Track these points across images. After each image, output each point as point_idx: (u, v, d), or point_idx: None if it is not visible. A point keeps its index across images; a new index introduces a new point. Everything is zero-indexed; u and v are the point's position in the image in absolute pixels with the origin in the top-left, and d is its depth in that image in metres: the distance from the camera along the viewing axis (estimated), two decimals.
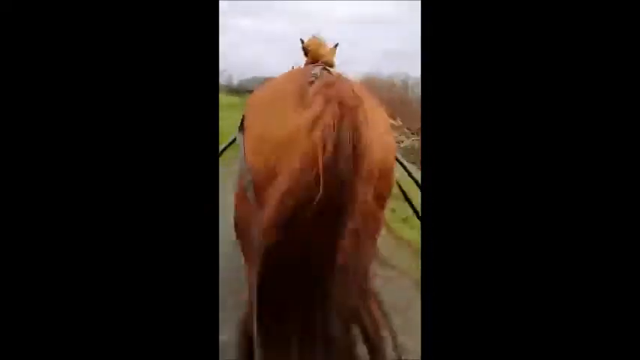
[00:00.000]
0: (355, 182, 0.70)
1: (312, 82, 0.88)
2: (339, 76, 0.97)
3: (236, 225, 1.00)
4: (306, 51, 1.81)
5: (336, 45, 1.97)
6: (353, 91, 0.78)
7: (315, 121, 0.73)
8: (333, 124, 0.71)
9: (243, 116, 0.99)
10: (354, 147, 0.70)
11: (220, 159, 1.34)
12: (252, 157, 0.89)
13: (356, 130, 0.71)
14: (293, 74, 1.06)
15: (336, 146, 0.69)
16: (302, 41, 1.89)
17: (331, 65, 1.52)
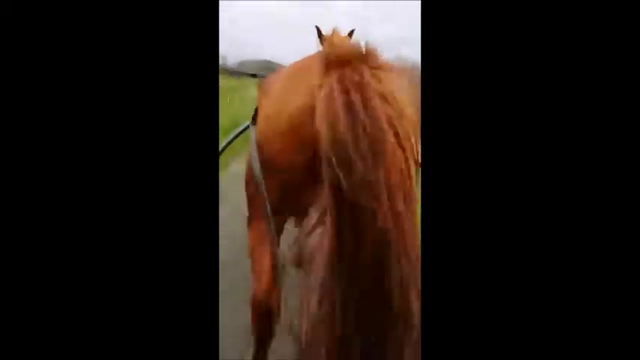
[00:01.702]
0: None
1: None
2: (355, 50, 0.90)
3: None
4: (322, 41, 1.73)
5: (352, 31, 1.88)
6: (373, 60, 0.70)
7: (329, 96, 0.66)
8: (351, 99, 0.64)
9: (256, 109, 0.93)
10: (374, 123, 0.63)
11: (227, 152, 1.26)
12: (262, 135, 0.85)
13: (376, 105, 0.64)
14: (307, 60, 1.00)
15: (353, 121, 0.63)
16: (318, 30, 1.80)
17: None
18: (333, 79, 0.69)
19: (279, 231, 0.99)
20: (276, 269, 0.94)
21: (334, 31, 1.79)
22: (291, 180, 0.85)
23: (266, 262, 0.94)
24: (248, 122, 1.12)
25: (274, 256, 0.93)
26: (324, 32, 1.79)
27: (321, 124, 0.66)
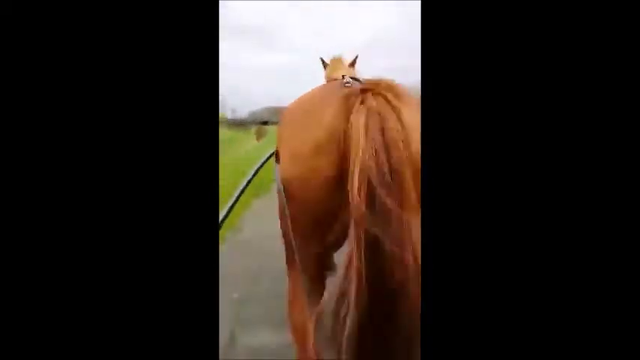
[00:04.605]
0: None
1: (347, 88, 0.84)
2: (377, 80, 0.90)
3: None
4: (324, 65, 1.77)
5: (356, 58, 1.92)
6: (394, 91, 0.75)
7: (355, 121, 0.70)
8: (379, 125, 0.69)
9: (277, 150, 0.93)
10: (403, 146, 0.68)
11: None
12: (287, 168, 0.85)
13: (399, 130, 0.69)
14: (325, 87, 1.01)
15: (385, 145, 0.67)
16: (322, 60, 1.85)
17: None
18: (362, 111, 0.71)
19: (323, 268, 0.95)
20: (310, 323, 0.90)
21: (334, 57, 1.83)
22: (320, 214, 0.82)
23: (301, 319, 0.91)
24: (272, 151, 1.13)
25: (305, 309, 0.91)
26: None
27: (357, 152, 0.67)
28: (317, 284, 0.92)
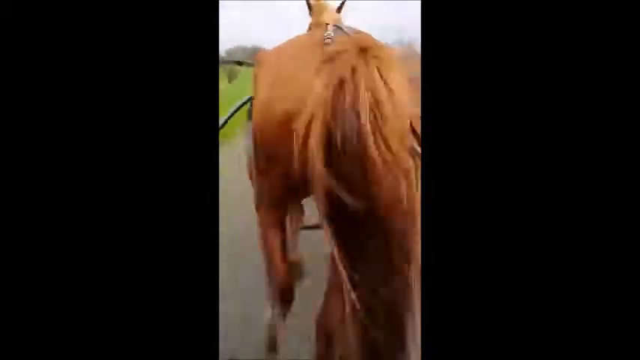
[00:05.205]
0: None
1: (327, 45, 0.81)
2: (356, 34, 0.88)
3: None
4: (310, 8, 1.65)
5: (343, 3, 1.80)
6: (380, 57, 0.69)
7: (330, 85, 0.66)
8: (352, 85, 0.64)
9: (251, 99, 0.91)
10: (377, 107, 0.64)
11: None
12: (258, 124, 0.84)
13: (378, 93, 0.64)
14: (305, 39, 0.96)
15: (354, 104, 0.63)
16: (308, 3, 1.71)
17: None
18: (334, 76, 0.66)
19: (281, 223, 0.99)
20: (287, 250, 0.96)
21: (322, 3, 1.71)
22: (288, 171, 0.81)
23: (277, 243, 0.95)
24: (247, 97, 1.11)
25: (284, 241, 0.95)
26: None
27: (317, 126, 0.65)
28: (280, 228, 0.95)
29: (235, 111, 1.24)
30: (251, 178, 1.03)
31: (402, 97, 0.67)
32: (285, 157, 0.78)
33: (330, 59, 0.70)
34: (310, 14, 1.71)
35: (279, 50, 0.92)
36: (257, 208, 1.00)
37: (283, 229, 0.96)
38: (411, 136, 0.71)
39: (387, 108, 0.65)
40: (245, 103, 1.18)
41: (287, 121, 0.75)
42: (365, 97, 0.64)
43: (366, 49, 0.69)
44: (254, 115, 0.89)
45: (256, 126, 0.86)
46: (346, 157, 0.64)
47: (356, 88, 0.64)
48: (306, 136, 0.66)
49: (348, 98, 0.64)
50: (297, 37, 0.98)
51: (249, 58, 1.88)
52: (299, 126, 0.67)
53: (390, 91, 0.66)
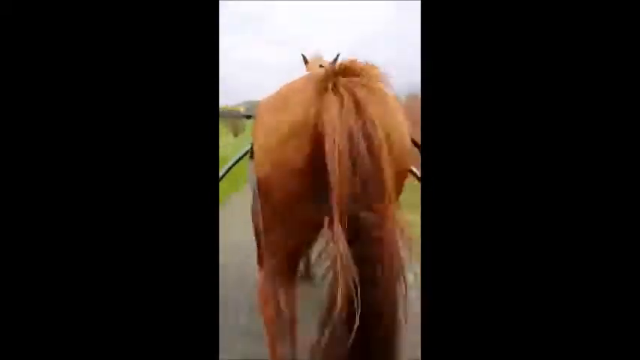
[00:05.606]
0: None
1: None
2: (351, 61, 0.89)
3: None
4: (306, 62, 1.76)
5: (337, 56, 1.90)
6: (367, 75, 0.76)
7: (324, 110, 0.71)
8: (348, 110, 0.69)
9: (252, 145, 0.92)
10: (370, 138, 0.68)
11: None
12: (259, 161, 0.84)
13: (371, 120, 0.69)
14: (299, 79, 0.99)
15: (350, 135, 0.67)
16: (304, 57, 1.82)
17: None
18: (333, 98, 0.70)
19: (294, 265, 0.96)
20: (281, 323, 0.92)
21: (318, 58, 1.81)
22: (290, 210, 0.82)
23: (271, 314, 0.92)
24: (248, 147, 1.12)
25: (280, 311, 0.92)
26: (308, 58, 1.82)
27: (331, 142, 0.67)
28: (287, 283, 0.92)
29: (239, 159, 1.26)
30: (254, 220, 1.02)
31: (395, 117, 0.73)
32: (285, 193, 0.80)
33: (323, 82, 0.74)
34: (307, 68, 1.81)
35: (276, 93, 0.96)
36: (259, 260, 0.99)
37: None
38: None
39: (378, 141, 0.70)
40: (245, 154, 1.22)
41: (287, 140, 0.77)
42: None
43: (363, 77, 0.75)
44: (255, 162, 0.90)
45: (259, 170, 0.87)
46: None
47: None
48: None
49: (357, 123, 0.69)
50: (291, 81, 1.03)
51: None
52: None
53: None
